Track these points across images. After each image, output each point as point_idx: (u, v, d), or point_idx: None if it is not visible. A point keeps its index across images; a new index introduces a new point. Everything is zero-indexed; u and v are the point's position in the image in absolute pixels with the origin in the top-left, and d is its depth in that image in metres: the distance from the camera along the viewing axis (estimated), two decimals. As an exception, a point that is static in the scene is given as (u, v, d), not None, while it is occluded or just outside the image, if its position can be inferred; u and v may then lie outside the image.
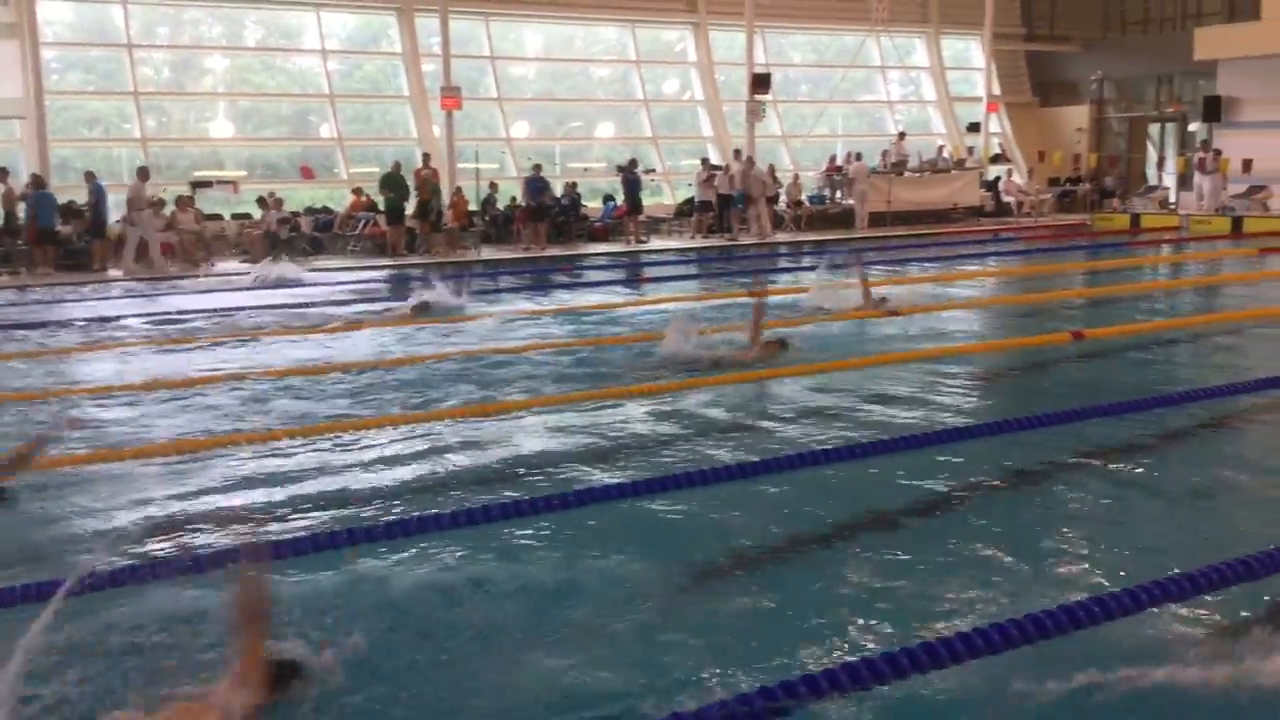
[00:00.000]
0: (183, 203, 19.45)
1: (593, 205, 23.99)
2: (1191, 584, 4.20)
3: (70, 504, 5.55)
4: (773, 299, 12.24)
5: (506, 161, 24.65)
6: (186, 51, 23.41)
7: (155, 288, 16.58)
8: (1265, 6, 25.43)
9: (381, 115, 25.28)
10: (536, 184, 21.32)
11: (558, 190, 22.65)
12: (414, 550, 4.76)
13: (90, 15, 22.07)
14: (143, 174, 18.74)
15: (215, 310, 13.35)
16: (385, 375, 8.80)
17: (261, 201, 20.63)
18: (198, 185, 20.83)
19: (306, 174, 23.07)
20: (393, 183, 20.34)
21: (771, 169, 24.67)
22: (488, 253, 20.94)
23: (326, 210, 22.17)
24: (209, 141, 23.27)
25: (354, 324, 11.66)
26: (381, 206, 20.73)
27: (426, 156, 21.33)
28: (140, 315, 12.95)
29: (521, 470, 6.12)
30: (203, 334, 11.40)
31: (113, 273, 18.33)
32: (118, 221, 18.99)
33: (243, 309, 13.29)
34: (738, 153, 23.85)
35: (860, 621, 4.11)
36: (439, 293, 12.69)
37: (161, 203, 19.47)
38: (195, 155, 23.00)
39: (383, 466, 6.21)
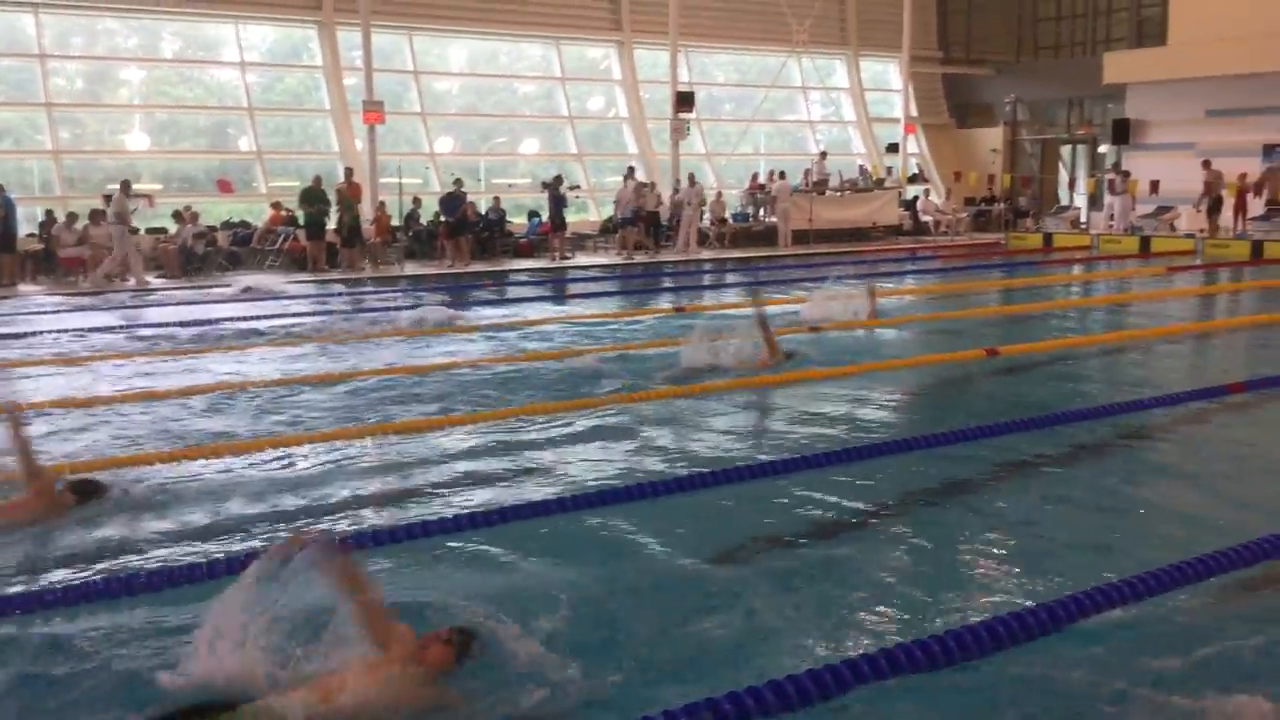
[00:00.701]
0: (96, 216, 18.99)
1: (518, 221, 23.96)
2: (1104, 597, 4.33)
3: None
4: (710, 313, 12.35)
5: (430, 177, 24.51)
6: (102, 62, 22.91)
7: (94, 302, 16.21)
8: (1171, 33, 26.34)
9: (302, 129, 24.97)
10: (453, 200, 21.24)
11: (482, 206, 22.58)
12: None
13: (1, 24, 21.49)
14: (125, 187, 18.45)
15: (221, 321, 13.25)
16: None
17: (178, 215, 20.23)
18: (112, 199, 20.33)
19: (224, 188, 22.67)
20: (313, 197, 20.10)
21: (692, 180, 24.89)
22: (411, 268, 20.78)
23: (245, 224, 21.81)
24: (124, 154, 22.75)
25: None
26: (301, 221, 20.47)
27: (349, 171, 21.12)
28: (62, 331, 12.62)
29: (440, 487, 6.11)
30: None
31: (24, 288, 17.83)
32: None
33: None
34: (631, 170, 23.85)
35: (770, 644, 4.16)
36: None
37: (75, 216, 19.03)
38: (110, 168, 22.44)
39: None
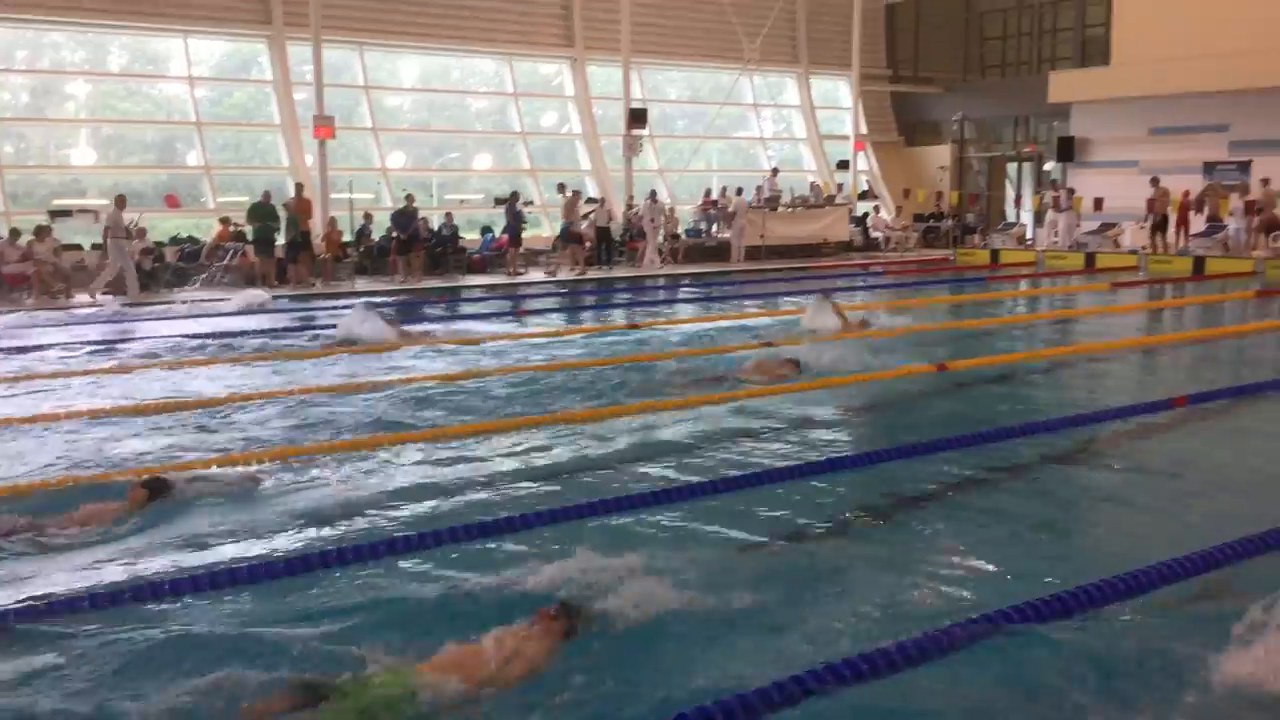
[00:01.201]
0: (40, 232, 18.68)
1: (470, 237, 23.90)
2: (1048, 608, 4.40)
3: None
4: (665, 328, 12.40)
5: (382, 192, 24.40)
6: (47, 76, 22.58)
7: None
8: (1115, 53, 26.88)
9: (251, 144, 24.76)
10: (405, 216, 21.16)
11: (435, 222, 22.50)
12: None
13: (-59, 36, 21.15)
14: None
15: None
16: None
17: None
18: (57, 214, 20.04)
19: (172, 203, 22.40)
20: (262, 212, 19.93)
21: (649, 198, 25.02)
22: (362, 284, 20.64)
23: (192, 240, 21.55)
24: (70, 169, 22.43)
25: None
26: (250, 237, 20.28)
27: (300, 187, 20.96)
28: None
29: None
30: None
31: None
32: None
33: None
34: (562, 186, 23.62)
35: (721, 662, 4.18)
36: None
37: (18, 233, 18.73)
38: (55, 183, 22.15)
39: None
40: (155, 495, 6.06)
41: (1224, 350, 12.36)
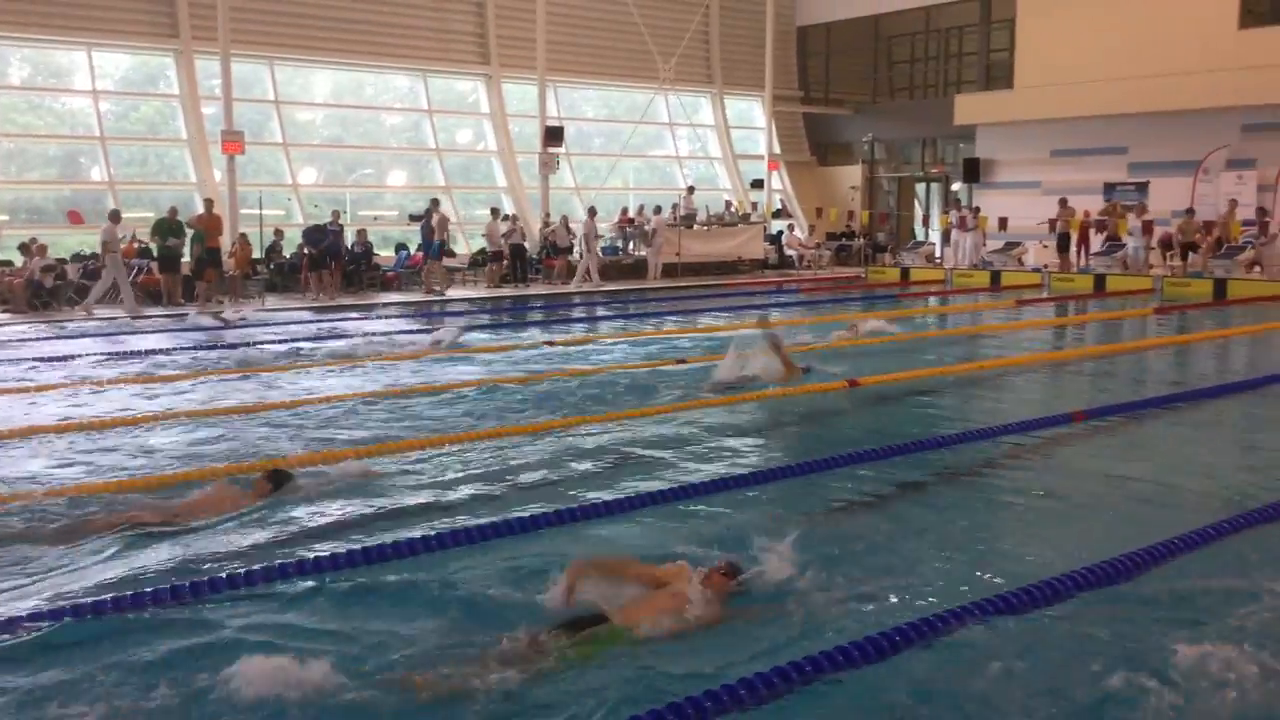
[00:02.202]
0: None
1: (385, 254, 23.67)
2: (955, 618, 4.50)
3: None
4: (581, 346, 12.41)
5: (293, 208, 24.05)
6: (-61, 86, 21.88)
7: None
8: (1017, 77, 27.69)
9: (158, 159, 24.23)
10: (316, 232, 20.91)
11: (349, 238, 22.25)
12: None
13: None
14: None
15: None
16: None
17: (24, 248, 19.35)
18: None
19: (74, 219, 21.79)
20: (167, 229, 19.50)
21: (565, 220, 25.08)
22: (272, 301, 20.31)
23: (96, 257, 20.97)
24: (-35, 183, 21.74)
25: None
26: (155, 253, 19.84)
27: (209, 202, 20.57)
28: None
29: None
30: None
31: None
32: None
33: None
34: (436, 202, 22.87)
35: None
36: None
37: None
38: (-52, 197, 21.47)
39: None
40: (278, 486, 6.50)
41: (1123, 366, 12.76)
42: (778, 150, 31.67)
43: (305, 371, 11.76)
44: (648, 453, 7.79)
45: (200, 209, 20.55)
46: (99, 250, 18.71)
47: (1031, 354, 13.37)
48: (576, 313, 19.68)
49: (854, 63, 34.07)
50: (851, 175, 32.85)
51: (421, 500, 6.55)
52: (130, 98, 23.94)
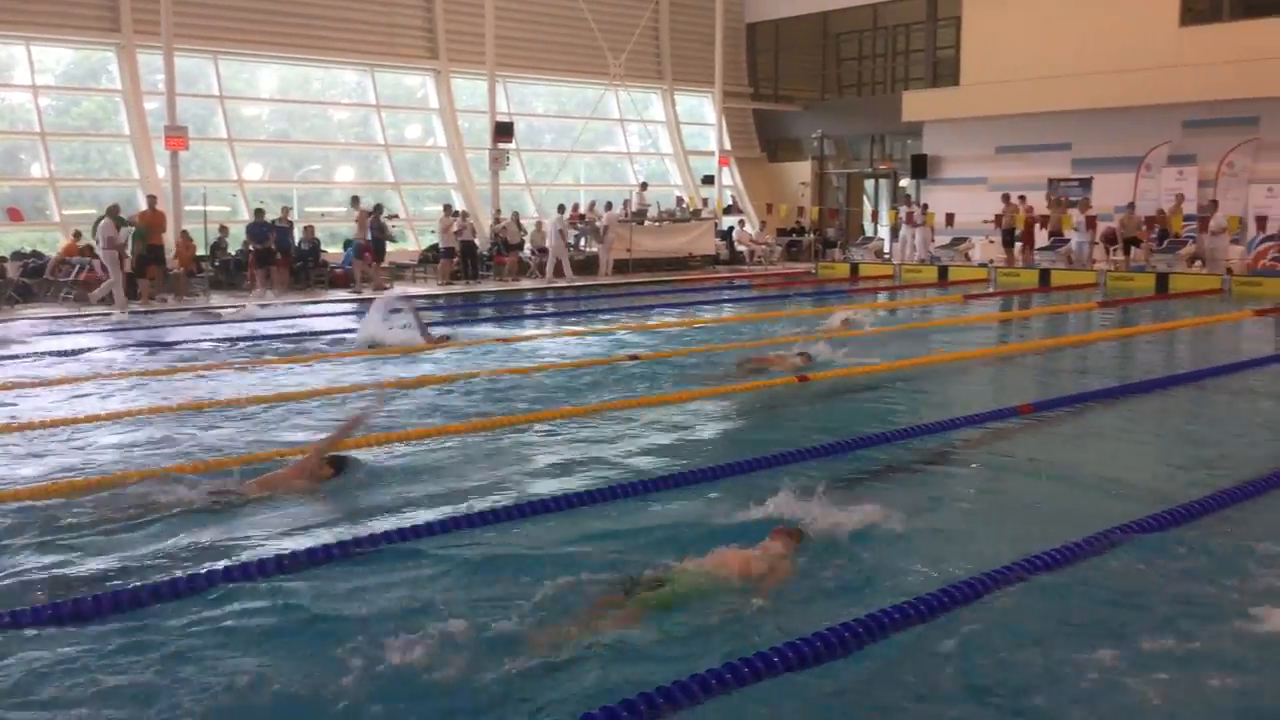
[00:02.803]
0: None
1: (333, 251, 23.44)
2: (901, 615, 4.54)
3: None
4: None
5: (238, 204, 23.74)
6: None
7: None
8: (963, 74, 28.00)
9: (100, 155, 23.81)
10: (257, 228, 20.67)
11: (296, 234, 22.01)
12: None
13: None
14: (113, 213, 18.56)
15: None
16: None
17: (-40, 245, 18.97)
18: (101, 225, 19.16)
19: (14, 216, 21.37)
20: (111, 226, 19.16)
21: (515, 216, 25.00)
22: (217, 299, 20.03)
23: (37, 255, 20.59)
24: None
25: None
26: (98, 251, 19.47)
27: (152, 199, 20.25)
28: None
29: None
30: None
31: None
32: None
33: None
34: (355, 199, 22.72)
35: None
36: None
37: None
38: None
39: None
40: (341, 470, 6.86)
41: (1068, 360, 12.95)
42: (728, 146, 31.78)
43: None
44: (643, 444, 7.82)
45: (143, 205, 20.24)
46: (101, 247, 18.57)
47: (980, 349, 13.51)
48: (525, 310, 19.60)
49: (803, 59, 34.27)
50: (801, 171, 33.04)
51: (473, 481, 6.94)
52: (71, 93, 23.52)
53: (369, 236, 21.85)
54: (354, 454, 7.22)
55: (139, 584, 4.99)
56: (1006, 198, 24.91)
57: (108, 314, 17.75)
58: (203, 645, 4.39)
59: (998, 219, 24.88)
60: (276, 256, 20.93)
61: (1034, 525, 6.01)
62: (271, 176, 25.47)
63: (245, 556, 5.41)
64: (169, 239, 20.43)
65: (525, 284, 23.68)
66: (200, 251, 21.14)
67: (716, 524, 5.82)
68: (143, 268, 19.57)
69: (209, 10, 23.37)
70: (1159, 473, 7.40)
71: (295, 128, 26.35)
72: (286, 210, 21.42)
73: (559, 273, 23.85)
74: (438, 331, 13.87)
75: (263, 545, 5.63)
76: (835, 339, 12.67)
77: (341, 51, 25.73)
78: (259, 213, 20.94)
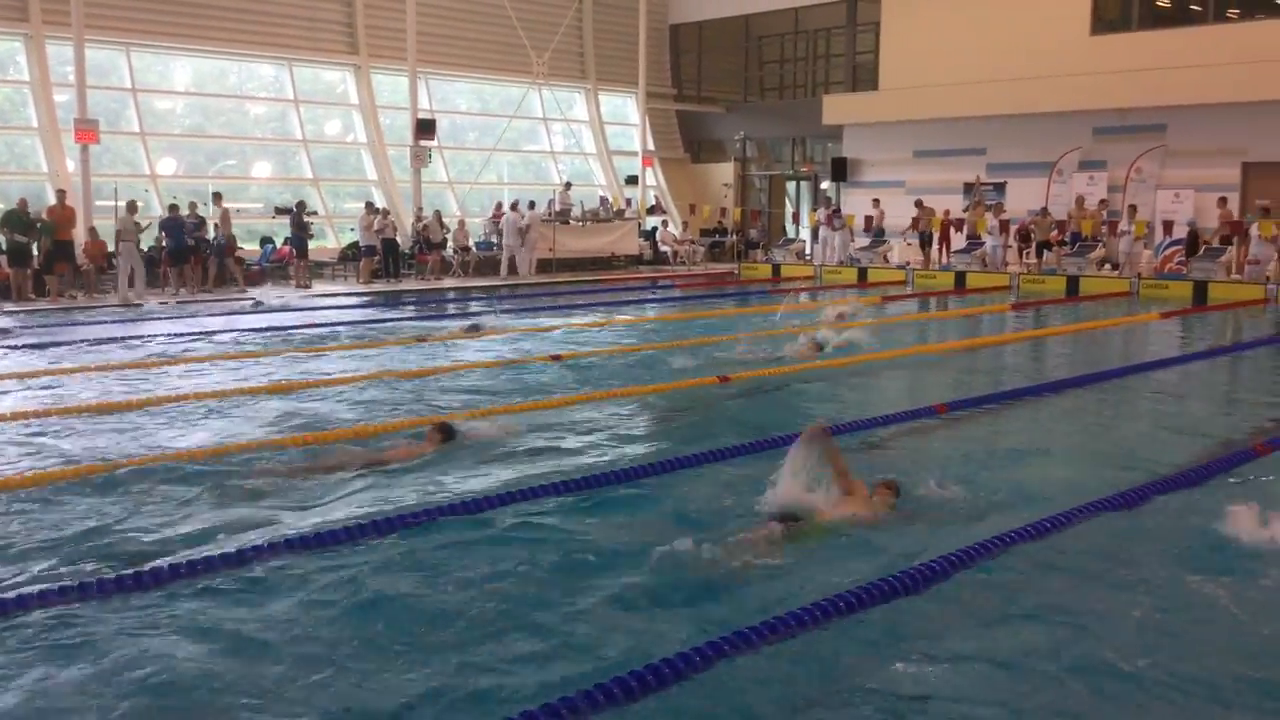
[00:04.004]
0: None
1: (249, 248, 23.02)
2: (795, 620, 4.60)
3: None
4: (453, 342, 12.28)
5: (151, 200, 23.16)
6: None
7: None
8: (882, 79, 28.42)
9: (7, 148, 23.07)
10: (175, 223, 20.23)
11: (210, 231, 21.58)
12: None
13: None
14: (131, 207, 19.14)
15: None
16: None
17: None
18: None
19: (-86, 209, 20.64)
20: (17, 221, 18.63)
21: (438, 214, 24.82)
22: (129, 296, 19.53)
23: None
24: None
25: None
26: (4, 247, 18.91)
27: (61, 194, 19.69)
28: None
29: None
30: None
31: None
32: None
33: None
34: (173, 207, 21.35)
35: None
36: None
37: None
38: None
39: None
40: (447, 438, 7.57)
41: (983, 360, 13.22)
42: (652, 147, 31.87)
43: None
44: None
45: (52, 200, 19.68)
46: (115, 239, 19.02)
47: (897, 349, 13.71)
48: (447, 309, 19.45)
49: (726, 61, 34.52)
50: (724, 172, 33.26)
51: (571, 445, 7.85)
52: (-26, 83, 22.76)
53: (299, 235, 21.67)
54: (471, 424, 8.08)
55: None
56: (919, 203, 25.36)
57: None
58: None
59: (915, 222, 25.31)
60: (191, 254, 20.52)
61: (937, 524, 6.12)
62: (186, 172, 24.91)
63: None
64: (78, 235, 19.90)
65: (448, 283, 23.50)
66: (111, 248, 20.59)
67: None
68: (51, 264, 19.04)
69: (122, 1, 22.79)
70: (1067, 470, 7.57)
71: (211, 122, 25.82)
72: (194, 206, 20.94)
73: (513, 270, 23.89)
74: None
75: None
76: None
77: (259, 45, 25.25)
78: (173, 208, 20.48)
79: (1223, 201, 22.31)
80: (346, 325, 15.77)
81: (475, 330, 14.40)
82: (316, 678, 4.13)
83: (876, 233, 26.23)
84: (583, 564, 5.34)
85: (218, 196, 20.51)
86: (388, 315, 17.50)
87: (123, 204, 19.56)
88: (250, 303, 18.56)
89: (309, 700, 3.97)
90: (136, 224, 19.17)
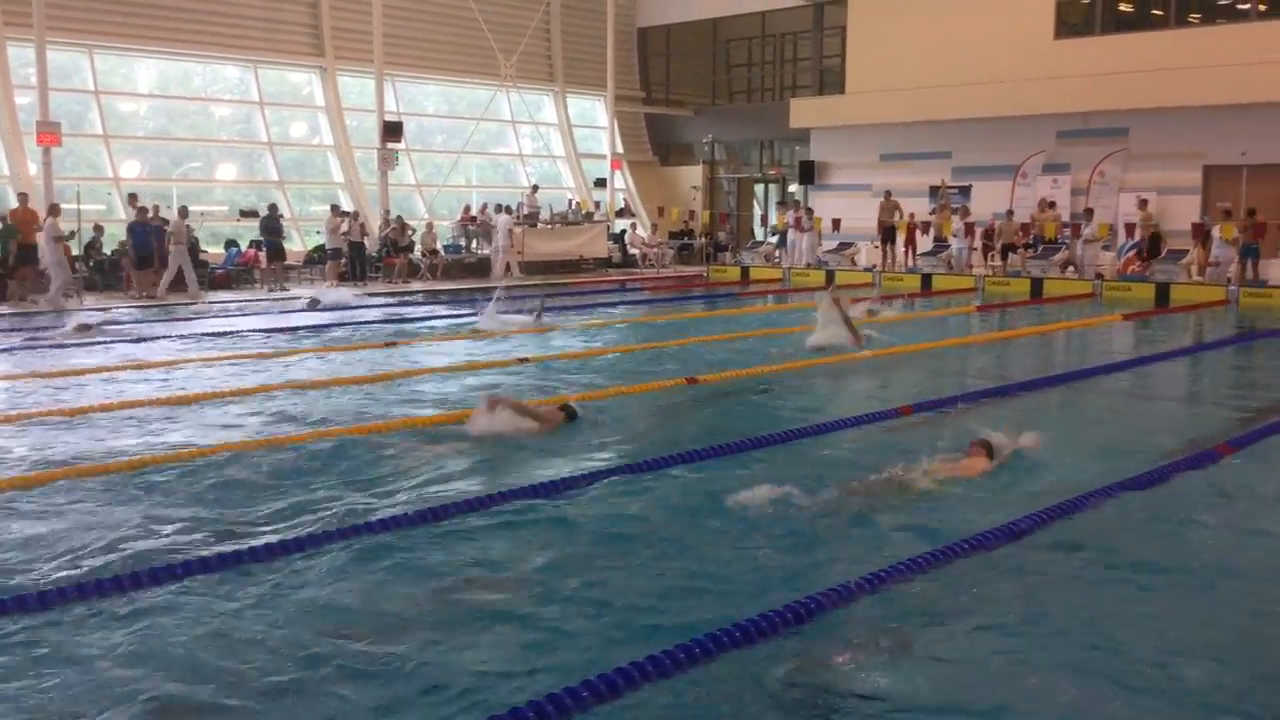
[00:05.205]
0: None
1: (214, 251, 22.84)
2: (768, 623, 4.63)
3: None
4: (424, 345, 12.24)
5: (114, 203, 22.96)
6: None
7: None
8: (849, 83, 28.58)
9: (-34, 150, 22.77)
10: (139, 228, 20.03)
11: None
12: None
13: None
14: (183, 212, 20.16)
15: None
16: None
17: None
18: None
19: None
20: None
21: (400, 218, 24.73)
22: (92, 301, 19.34)
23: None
24: None
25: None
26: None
27: (23, 197, 19.46)
28: None
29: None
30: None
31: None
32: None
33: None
34: (142, 209, 21.36)
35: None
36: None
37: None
38: None
39: None
40: (571, 417, 8.46)
41: (948, 361, 13.31)
42: (620, 150, 31.90)
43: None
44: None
45: (14, 203, 19.45)
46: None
47: (864, 351, 13.77)
48: (415, 314, 19.38)
49: (694, 65, 34.62)
50: (693, 175, 33.34)
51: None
52: (-67, 84, 22.44)
53: (274, 239, 21.61)
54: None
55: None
56: (888, 195, 25.48)
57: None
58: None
59: (882, 225, 25.43)
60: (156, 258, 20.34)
61: (900, 527, 6.17)
62: (149, 174, 24.68)
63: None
64: (40, 238, 19.66)
65: (416, 286, 23.40)
66: (75, 251, 20.36)
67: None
68: (14, 269, 18.81)
69: (84, 3, 22.56)
70: (1031, 474, 7.63)
71: (175, 124, 25.60)
72: (156, 209, 20.73)
73: (499, 269, 23.94)
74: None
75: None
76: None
77: (223, 47, 25.07)
78: (142, 211, 20.27)
79: (1143, 204, 22.72)
80: (411, 323, 16.69)
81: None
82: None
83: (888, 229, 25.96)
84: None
85: (184, 211, 20.22)
86: (440, 312, 18.32)
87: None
88: (306, 301, 19.18)
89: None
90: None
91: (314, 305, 18.61)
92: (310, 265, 23.96)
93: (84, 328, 14.58)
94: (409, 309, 19.11)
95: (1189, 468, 7.36)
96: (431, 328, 15.98)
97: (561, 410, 8.51)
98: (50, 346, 13.64)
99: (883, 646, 4.46)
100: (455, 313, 17.85)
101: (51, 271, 18.66)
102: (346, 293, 20.55)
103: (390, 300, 20.61)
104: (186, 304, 19.23)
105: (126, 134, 24.45)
